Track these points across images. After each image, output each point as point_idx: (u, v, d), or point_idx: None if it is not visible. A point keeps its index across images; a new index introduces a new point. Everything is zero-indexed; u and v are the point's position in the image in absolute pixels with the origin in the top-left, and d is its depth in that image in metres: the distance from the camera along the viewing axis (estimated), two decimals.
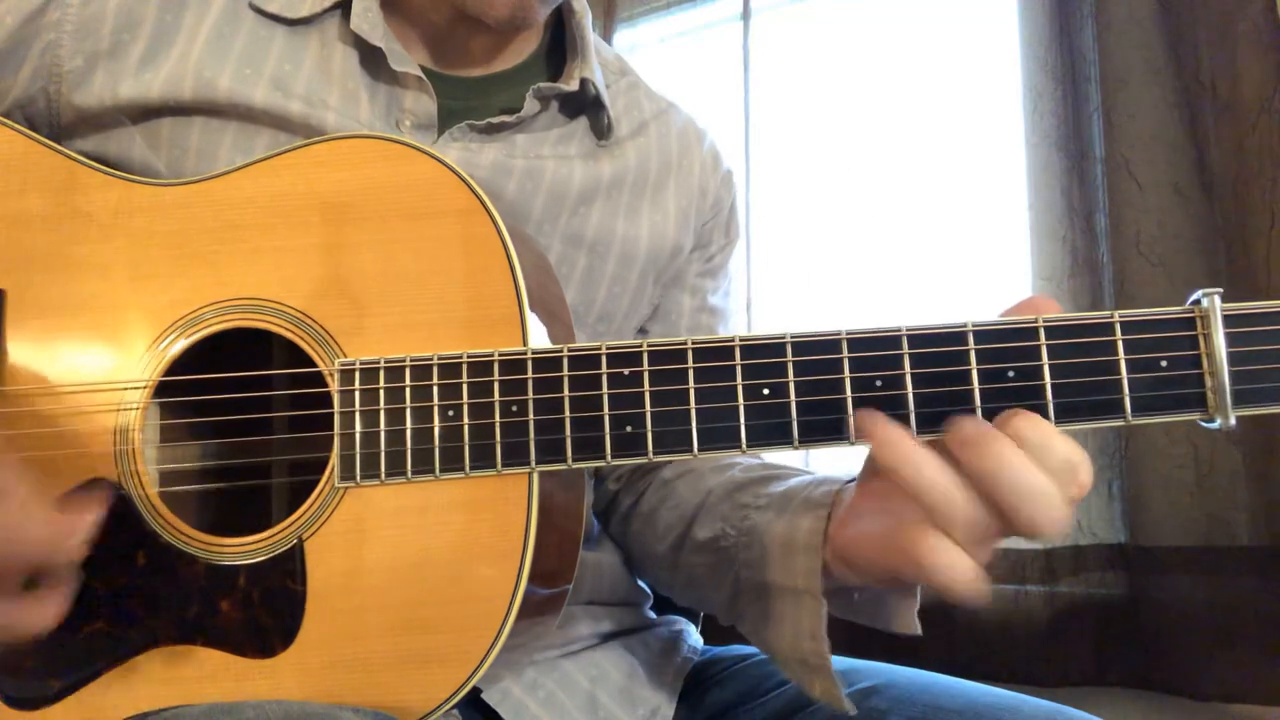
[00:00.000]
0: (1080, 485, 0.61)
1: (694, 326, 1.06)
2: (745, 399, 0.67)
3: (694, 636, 1.05)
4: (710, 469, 0.95)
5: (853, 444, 0.66)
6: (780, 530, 0.78)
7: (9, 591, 0.63)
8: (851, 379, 0.66)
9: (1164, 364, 0.63)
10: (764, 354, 0.68)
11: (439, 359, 0.71)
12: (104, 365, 0.75)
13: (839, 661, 0.91)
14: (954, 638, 1.56)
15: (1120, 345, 0.64)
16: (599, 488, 1.06)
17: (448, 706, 0.68)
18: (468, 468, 0.70)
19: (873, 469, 0.72)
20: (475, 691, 0.70)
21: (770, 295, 2.02)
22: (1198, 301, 0.63)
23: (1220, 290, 0.63)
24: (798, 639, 0.76)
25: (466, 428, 0.70)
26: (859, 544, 0.71)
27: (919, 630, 0.77)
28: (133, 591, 0.71)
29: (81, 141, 0.87)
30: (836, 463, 1.56)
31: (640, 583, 1.05)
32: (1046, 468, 0.61)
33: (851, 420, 0.66)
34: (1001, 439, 0.61)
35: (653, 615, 1.05)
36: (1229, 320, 0.63)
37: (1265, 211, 1.47)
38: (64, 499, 0.67)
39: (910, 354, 0.66)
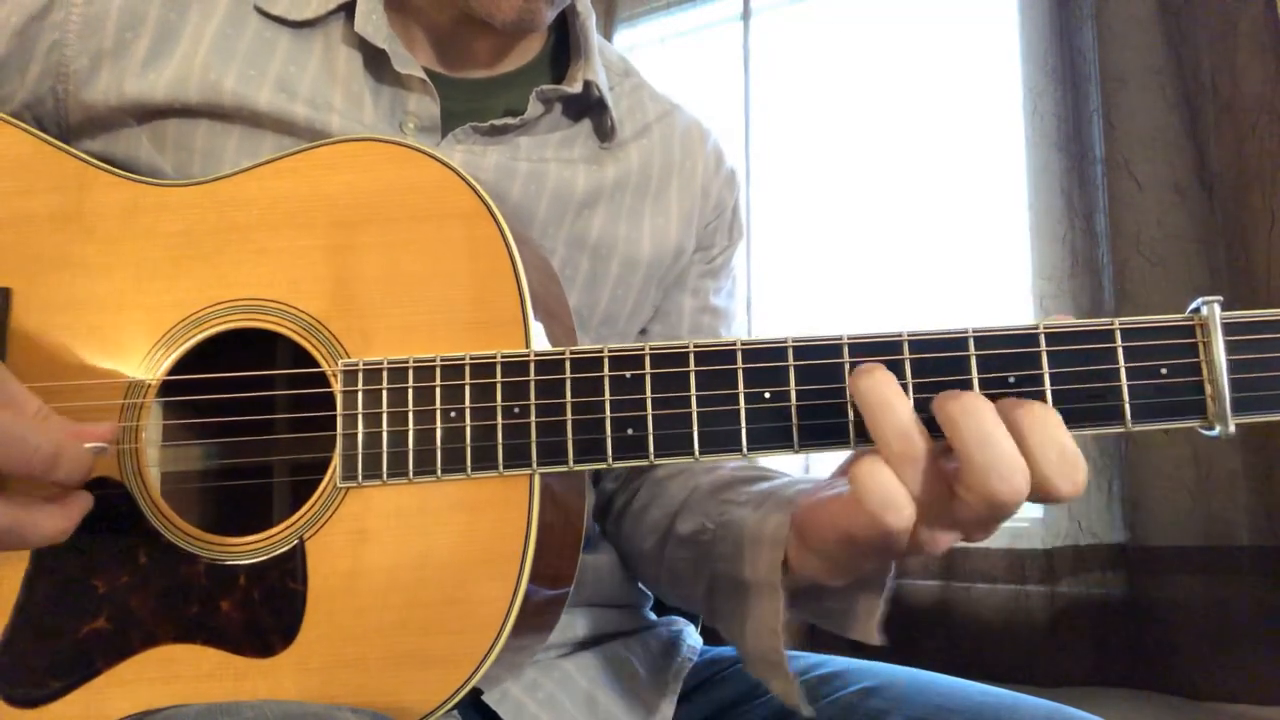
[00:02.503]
0: (1074, 483, 0.60)
1: (695, 327, 1.05)
2: (747, 402, 0.67)
3: (694, 637, 1.05)
4: (703, 469, 0.95)
5: (853, 448, 0.67)
6: (751, 525, 0.78)
7: (20, 498, 0.63)
8: None
9: (1164, 371, 0.63)
10: (766, 358, 0.68)
11: (442, 360, 0.71)
12: (108, 364, 0.75)
13: (839, 661, 0.92)
14: (954, 638, 1.57)
15: (1120, 353, 0.64)
16: (596, 488, 1.06)
17: (447, 708, 0.68)
18: (470, 469, 0.70)
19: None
20: (475, 692, 0.70)
21: (770, 295, 2.03)
22: (1197, 309, 0.63)
23: (1220, 299, 0.63)
24: (759, 635, 0.76)
25: (469, 429, 0.70)
26: (813, 509, 0.71)
27: (878, 640, 0.76)
28: (133, 590, 0.71)
29: (89, 142, 0.87)
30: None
31: (639, 584, 1.05)
32: (1028, 441, 0.60)
33: (853, 425, 0.66)
34: (978, 397, 0.62)
35: (652, 616, 1.05)
36: (1228, 328, 0.63)
37: (1265, 211, 1.48)
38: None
39: (911, 359, 0.66)
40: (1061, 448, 0.60)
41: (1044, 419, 0.61)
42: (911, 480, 0.62)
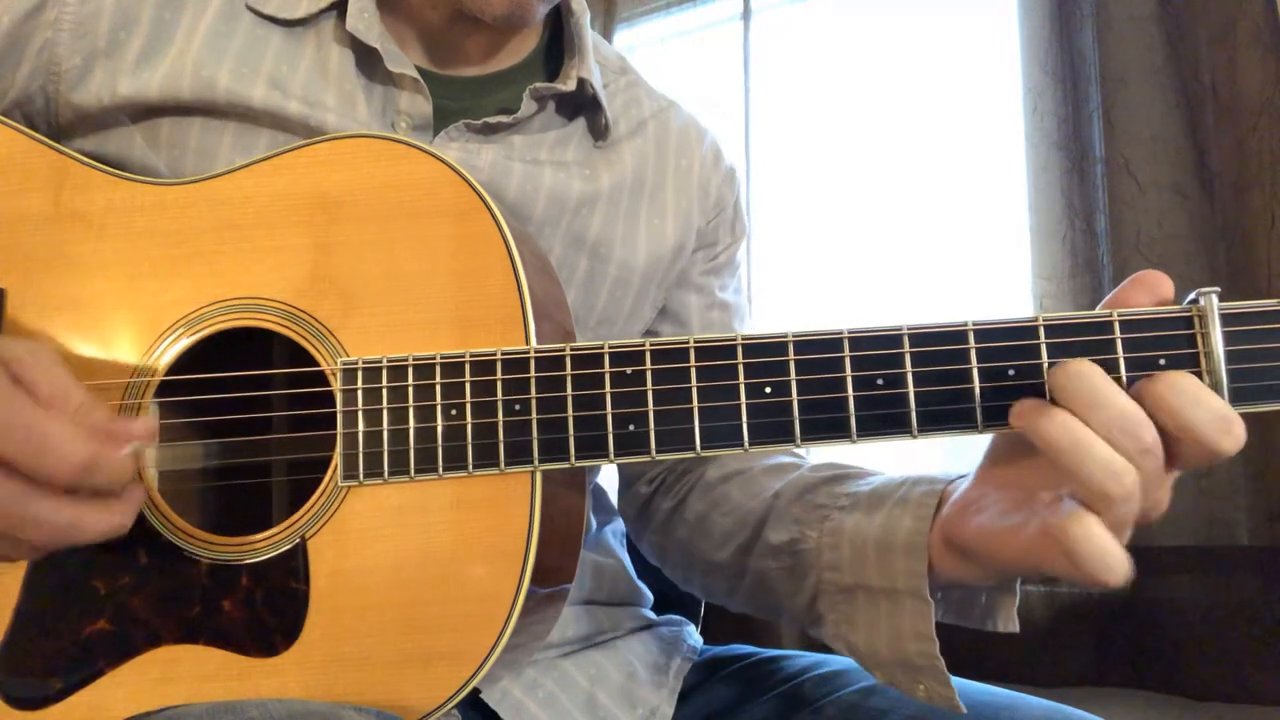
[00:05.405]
0: (1235, 438, 0.60)
1: (706, 324, 1.05)
2: (747, 398, 0.67)
3: (694, 636, 1.05)
4: (760, 470, 0.93)
5: (854, 442, 0.67)
6: (874, 531, 0.77)
7: (76, 493, 0.63)
8: (853, 377, 0.66)
9: (1162, 362, 0.63)
10: (766, 353, 0.68)
11: (442, 358, 0.71)
12: (105, 364, 0.75)
13: (839, 661, 0.91)
14: (954, 638, 1.56)
15: (1119, 344, 0.64)
16: (628, 491, 1.05)
17: (450, 705, 0.68)
18: (471, 466, 0.70)
19: (997, 457, 0.71)
20: (474, 692, 0.70)
21: (770, 294, 2.03)
22: (1195, 300, 0.63)
23: (1218, 289, 0.63)
24: (899, 641, 0.75)
25: (469, 426, 0.70)
26: (991, 538, 0.69)
27: (1017, 627, 0.76)
28: (135, 591, 0.71)
29: (81, 141, 0.87)
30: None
31: (640, 583, 1.05)
32: (1181, 414, 0.60)
33: (854, 419, 0.66)
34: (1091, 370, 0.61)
35: (652, 615, 1.05)
36: (1226, 319, 0.63)
37: (1265, 211, 1.48)
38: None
39: (911, 353, 0.66)
40: (1210, 408, 0.60)
41: (1179, 385, 0.61)
42: (1128, 512, 0.61)
